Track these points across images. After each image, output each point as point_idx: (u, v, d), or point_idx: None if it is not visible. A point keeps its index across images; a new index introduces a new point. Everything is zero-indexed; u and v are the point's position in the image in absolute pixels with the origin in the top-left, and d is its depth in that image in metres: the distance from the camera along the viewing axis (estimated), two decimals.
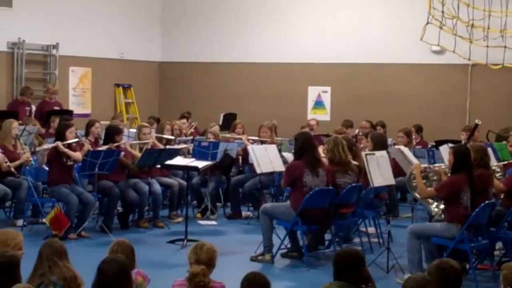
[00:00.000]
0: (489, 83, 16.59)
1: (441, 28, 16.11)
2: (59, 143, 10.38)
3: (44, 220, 9.91)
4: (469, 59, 16.17)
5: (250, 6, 18.82)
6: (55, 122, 13.00)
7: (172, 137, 12.77)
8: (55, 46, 17.21)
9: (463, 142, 11.53)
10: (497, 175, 9.59)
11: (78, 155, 10.46)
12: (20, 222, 10.67)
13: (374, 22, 17.50)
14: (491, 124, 14.68)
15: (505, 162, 10.63)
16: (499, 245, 9.17)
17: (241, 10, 18.92)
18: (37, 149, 11.42)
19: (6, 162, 10.55)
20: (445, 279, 4.75)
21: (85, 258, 6.97)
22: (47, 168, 10.83)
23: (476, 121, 12.61)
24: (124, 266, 4.89)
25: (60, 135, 10.67)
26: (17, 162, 10.73)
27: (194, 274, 5.27)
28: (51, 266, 5.26)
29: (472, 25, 15.89)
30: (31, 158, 11.04)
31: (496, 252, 9.08)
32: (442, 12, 16.02)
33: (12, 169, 10.58)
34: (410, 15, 16.66)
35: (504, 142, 12.59)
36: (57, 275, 5.23)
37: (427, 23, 16.10)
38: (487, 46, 15.82)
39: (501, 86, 16.44)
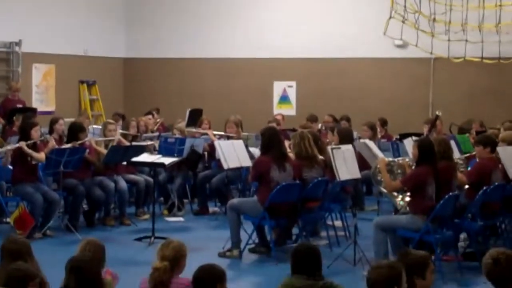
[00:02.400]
0: (451, 76, 16.73)
1: (403, 22, 16.21)
2: (23, 144, 10.28)
3: (8, 220, 9.84)
4: (431, 53, 16.29)
5: (217, 2, 18.79)
6: (19, 120, 12.88)
7: (138, 134, 12.73)
8: (18, 43, 17.05)
9: (425, 134, 11.63)
10: (460, 167, 9.67)
11: (41, 156, 10.35)
12: None
13: (338, 16, 17.56)
14: (454, 117, 14.81)
15: (468, 155, 10.73)
16: (463, 236, 9.26)
17: (205, 5, 18.87)
18: (0, 150, 11.28)
19: None
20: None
21: (51, 257, 6.92)
22: (10, 167, 10.73)
23: (437, 112, 12.78)
24: (97, 264, 4.88)
25: (24, 134, 10.57)
26: None
27: (154, 269, 5.25)
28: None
29: (434, 19, 16.01)
30: None
31: (460, 243, 9.17)
32: (405, 6, 16.12)
33: None
34: (373, 10, 16.74)
35: (467, 134, 12.72)
36: None
37: (390, 17, 16.18)
38: (449, 40, 15.95)
39: (463, 79, 16.57)
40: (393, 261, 4.89)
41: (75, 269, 4.77)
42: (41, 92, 17.78)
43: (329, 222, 10.20)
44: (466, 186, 9.17)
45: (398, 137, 13.38)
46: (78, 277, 4.73)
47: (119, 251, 8.96)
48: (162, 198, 12.24)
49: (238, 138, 12.17)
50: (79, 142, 10.84)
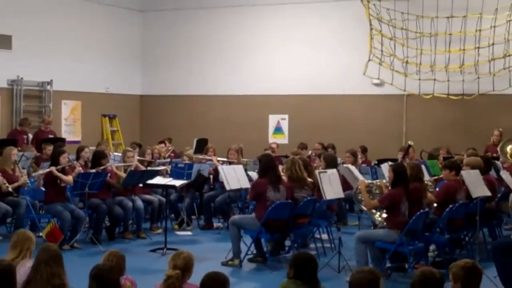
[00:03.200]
0: (421, 110, 16.70)
1: (380, 64, 16.29)
2: (53, 169, 10.34)
3: (41, 234, 9.79)
4: (404, 90, 16.32)
5: (219, 48, 18.87)
6: (47, 148, 12.95)
7: (152, 160, 12.75)
8: (49, 83, 17.15)
9: (399, 160, 11.66)
10: (430, 188, 9.69)
11: (69, 179, 10.41)
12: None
13: (325, 59, 17.59)
14: (424, 145, 14.84)
15: (436, 177, 10.73)
16: (432, 247, 9.26)
17: (210, 51, 18.97)
18: (33, 174, 11.32)
19: (5, 184, 10.47)
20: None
21: (77, 267, 6.89)
22: (43, 189, 10.75)
23: (409, 142, 12.84)
24: (117, 272, 4.89)
25: (54, 160, 10.63)
26: (15, 184, 10.65)
27: (168, 276, 5.25)
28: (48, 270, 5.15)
29: (407, 62, 16.07)
30: (28, 181, 10.93)
31: (430, 254, 9.17)
32: (381, 51, 16.21)
33: (11, 190, 10.50)
34: (355, 53, 16.75)
35: (435, 160, 12.75)
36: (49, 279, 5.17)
37: (369, 60, 16.27)
38: (419, 79, 15.99)
39: (432, 113, 16.54)
40: (373, 268, 4.89)
41: (97, 276, 4.77)
42: (69, 124, 17.83)
43: (317, 236, 10.15)
44: (435, 204, 9.17)
45: (376, 162, 13.41)
46: (99, 283, 4.74)
47: (136, 261, 8.93)
48: (173, 215, 12.23)
49: (239, 163, 12.16)
50: (102, 167, 10.89)
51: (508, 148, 8.07)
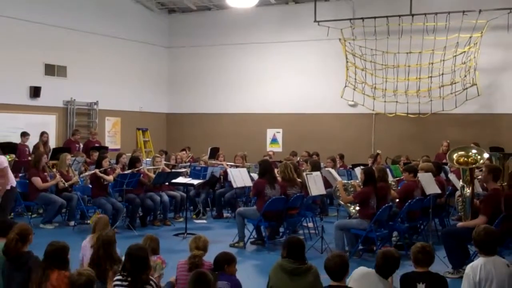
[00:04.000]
0: (386, 126, 16.69)
1: (354, 89, 16.29)
2: (97, 171, 10.35)
3: (88, 221, 9.82)
4: (373, 110, 16.31)
5: (228, 76, 18.94)
6: (94, 155, 12.98)
7: (176, 164, 12.76)
8: (96, 103, 17.23)
9: (369, 165, 11.64)
10: (393, 187, 9.68)
11: (110, 178, 10.42)
12: (72, 223, 10.56)
13: (311, 85, 17.65)
14: (389, 153, 14.80)
15: (398, 178, 10.72)
16: (395, 233, 9.25)
17: (222, 78, 19.03)
18: (82, 175, 11.33)
19: (62, 182, 10.50)
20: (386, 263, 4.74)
21: (118, 246, 6.90)
22: (90, 186, 10.76)
23: (377, 151, 12.81)
24: (145, 251, 4.87)
25: (99, 164, 10.65)
26: (70, 182, 10.69)
27: (194, 256, 5.25)
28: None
29: (375, 87, 16.06)
30: (78, 180, 11.00)
31: (393, 238, 9.14)
32: (355, 79, 16.21)
33: (66, 186, 10.54)
34: (334, 81, 16.73)
35: (397, 165, 12.73)
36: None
37: (345, 86, 16.28)
38: (385, 101, 15.97)
39: (395, 128, 16.52)
40: (341, 252, 4.85)
41: (129, 255, 4.78)
42: (111, 136, 17.88)
43: (304, 224, 10.14)
44: (397, 200, 9.14)
45: (351, 166, 13.36)
46: (130, 259, 4.74)
47: (162, 243, 8.68)
48: (192, 207, 12.21)
49: (243, 167, 12.16)
50: (136, 169, 10.88)
51: (454, 156, 8.02)
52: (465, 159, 7.86)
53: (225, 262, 5.03)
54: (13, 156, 11.82)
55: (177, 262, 5.47)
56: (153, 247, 5.54)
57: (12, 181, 9.16)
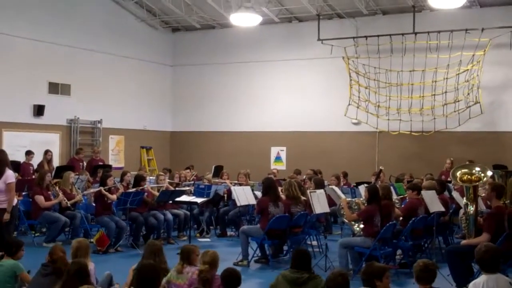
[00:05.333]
0: (390, 144, 16.71)
1: (357, 107, 16.37)
2: (102, 188, 10.40)
3: (92, 240, 9.84)
4: (376, 128, 16.37)
5: (232, 94, 19.04)
6: (100, 173, 12.99)
7: (180, 182, 12.78)
8: (100, 121, 17.32)
9: (373, 182, 11.65)
10: (397, 205, 9.68)
11: (114, 197, 10.44)
12: None
13: (314, 104, 17.72)
14: (392, 171, 14.81)
15: (402, 196, 10.69)
16: (399, 251, 9.24)
17: (226, 97, 19.13)
18: (85, 192, 11.38)
19: (65, 200, 10.54)
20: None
21: (121, 265, 6.93)
22: (94, 204, 10.80)
23: (380, 167, 12.82)
24: (155, 267, 4.94)
25: (103, 182, 10.68)
26: (73, 201, 10.72)
27: (200, 271, 5.32)
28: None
29: (378, 106, 16.14)
30: (82, 199, 11.01)
31: (397, 257, 9.13)
32: (358, 97, 16.30)
33: (69, 205, 10.57)
34: (338, 99, 16.81)
35: (401, 183, 12.74)
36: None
37: (349, 104, 16.36)
38: (388, 119, 16.04)
39: (398, 146, 16.55)
40: (343, 270, 4.88)
41: (137, 270, 4.86)
42: (115, 154, 17.95)
43: (308, 242, 10.11)
44: (401, 218, 9.13)
45: (355, 184, 13.36)
46: (139, 277, 4.78)
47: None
48: (195, 225, 12.18)
49: (247, 185, 12.16)
50: (140, 188, 10.89)
51: (458, 174, 8.05)
52: (469, 176, 7.89)
53: (233, 278, 5.10)
54: (16, 174, 11.88)
55: None
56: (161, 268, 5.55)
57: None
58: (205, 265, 5.31)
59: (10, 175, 8.12)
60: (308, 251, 5.30)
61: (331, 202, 10.20)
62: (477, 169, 7.93)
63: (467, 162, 10.04)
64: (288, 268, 5.34)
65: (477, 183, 7.80)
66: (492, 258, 4.84)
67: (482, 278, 4.81)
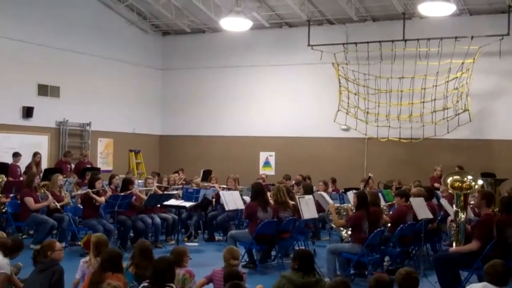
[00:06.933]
0: (379, 150, 16.75)
1: (347, 113, 16.43)
2: (90, 191, 10.35)
3: (79, 243, 9.79)
4: (365, 134, 16.44)
5: (221, 99, 19.03)
6: (88, 175, 12.90)
7: (168, 186, 12.74)
8: (88, 124, 17.25)
9: (362, 189, 11.69)
10: (385, 211, 9.70)
11: (102, 200, 10.42)
12: (63, 244, 10.43)
13: (304, 108, 17.74)
14: (381, 177, 14.88)
15: (390, 203, 10.76)
16: (387, 258, 9.26)
17: (215, 101, 19.11)
18: (73, 193, 11.33)
19: (54, 202, 10.49)
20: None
21: None
22: (81, 207, 10.74)
23: (369, 174, 12.86)
24: (167, 262, 5.04)
25: (91, 184, 10.63)
26: (61, 203, 10.69)
27: (231, 264, 5.69)
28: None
29: (367, 112, 16.20)
30: (70, 201, 10.97)
31: (385, 263, 9.15)
32: (348, 103, 16.37)
33: (59, 207, 10.51)
34: (327, 105, 16.86)
35: (390, 189, 12.77)
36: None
37: (338, 110, 16.42)
38: (377, 126, 16.11)
39: (387, 152, 16.60)
40: (344, 279, 4.88)
41: (153, 265, 5.04)
42: (104, 157, 17.87)
43: (297, 247, 10.12)
44: (389, 224, 9.14)
45: (343, 190, 13.38)
46: (154, 270, 4.94)
47: None
48: (183, 230, 12.15)
49: (236, 189, 12.17)
50: (129, 191, 10.86)
51: (449, 180, 8.09)
52: (460, 184, 7.91)
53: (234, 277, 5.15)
54: (3, 176, 11.83)
55: None
56: (174, 260, 5.57)
57: None
58: (235, 260, 5.68)
59: None
60: (311, 252, 5.30)
61: (319, 208, 10.20)
62: (469, 177, 7.94)
63: (457, 168, 10.08)
64: (287, 271, 5.32)
65: (468, 191, 7.82)
66: (505, 272, 4.90)
67: (481, 285, 4.84)
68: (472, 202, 9.20)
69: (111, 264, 5.14)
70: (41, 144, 15.75)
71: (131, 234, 10.92)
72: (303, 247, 10.13)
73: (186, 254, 5.77)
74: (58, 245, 5.85)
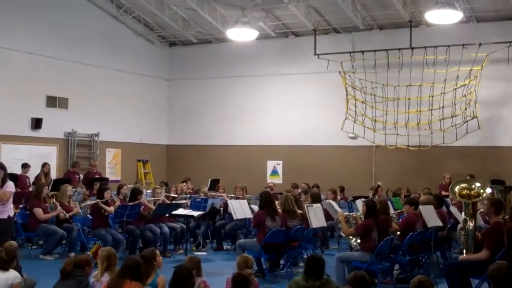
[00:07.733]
0: (387, 158, 16.74)
1: (354, 122, 16.41)
2: (99, 201, 10.37)
3: (88, 253, 9.78)
4: (373, 142, 16.41)
5: (228, 108, 19.07)
6: (97, 185, 12.95)
7: (176, 195, 12.75)
8: (97, 135, 17.31)
9: (370, 197, 11.65)
10: (394, 219, 9.66)
11: (111, 209, 10.41)
12: (72, 254, 10.44)
13: (311, 117, 17.75)
14: (389, 185, 14.84)
15: (399, 211, 10.70)
16: (396, 266, 9.20)
17: (222, 110, 19.16)
18: (82, 204, 11.34)
19: (63, 213, 10.51)
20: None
21: None
22: (90, 217, 10.76)
23: (378, 183, 12.82)
24: (190, 270, 5.11)
25: (100, 195, 10.66)
26: (70, 213, 10.69)
27: (248, 273, 5.51)
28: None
29: (375, 120, 16.19)
30: (79, 211, 10.98)
31: (394, 271, 9.09)
32: (355, 111, 16.35)
33: (68, 217, 10.55)
34: (334, 113, 16.87)
35: (398, 197, 12.72)
36: None
37: (345, 118, 16.41)
38: (385, 134, 16.09)
39: (395, 160, 16.57)
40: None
41: (174, 272, 5.08)
42: (112, 167, 17.92)
43: (305, 256, 10.09)
44: (398, 232, 9.09)
45: (352, 198, 13.33)
46: (174, 277, 5.00)
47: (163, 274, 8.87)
48: (192, 239, 12.13)
49: (243, 198, 12.14)
50: (137, 201, 10.87)
51: (456, 189, 8.02)
52: (468, 191, 7.84)
53: (243, 282, 5.13)
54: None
55: None
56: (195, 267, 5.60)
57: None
58: (249, 269, 5.61)
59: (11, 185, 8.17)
60: (322, 258, 5.34)
61: (328, 216, 10.17)
62: (477, 184, 7.86)
63: (468, 177, 10.02)
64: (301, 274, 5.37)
65: (476, 200, 7.75)
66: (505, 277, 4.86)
67: None
68: (481, 210, 9.13)
69: (130, 271, 5.09)
70: (50, 155, 15.83)
71: (140, 244, 10.91)
72: None
73: (200, 264, 5.77)
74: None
